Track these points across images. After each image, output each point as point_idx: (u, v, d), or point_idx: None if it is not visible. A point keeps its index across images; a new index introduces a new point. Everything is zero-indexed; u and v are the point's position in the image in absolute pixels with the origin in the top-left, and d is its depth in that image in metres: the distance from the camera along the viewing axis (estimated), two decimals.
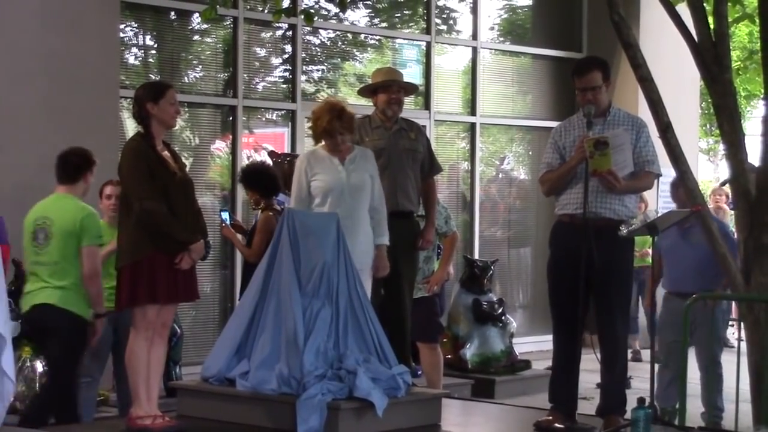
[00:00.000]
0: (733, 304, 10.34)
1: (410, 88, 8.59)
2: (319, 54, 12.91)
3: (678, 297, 8.69)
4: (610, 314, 7.14)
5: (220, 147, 11.86)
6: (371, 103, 8.43)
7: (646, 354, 11.41)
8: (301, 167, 7.54)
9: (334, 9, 12.68)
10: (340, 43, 13.09)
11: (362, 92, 8.58)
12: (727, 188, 12.65)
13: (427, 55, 13.33)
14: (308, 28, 12.08)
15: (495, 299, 11.31)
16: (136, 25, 11.34)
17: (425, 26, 13.43)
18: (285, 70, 12.30)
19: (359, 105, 9.64)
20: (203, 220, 7.02)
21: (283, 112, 12.31)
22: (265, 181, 9.01)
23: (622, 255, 7.18)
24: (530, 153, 14.76)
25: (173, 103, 6.89)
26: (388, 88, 8.28)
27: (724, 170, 19.96)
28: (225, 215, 9.16)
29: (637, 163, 7.16)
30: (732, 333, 13.88)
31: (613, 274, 7.07)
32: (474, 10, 13.84)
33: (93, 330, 7.48)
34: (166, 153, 6.88)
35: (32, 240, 7.44)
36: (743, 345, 8.18)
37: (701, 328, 8.57)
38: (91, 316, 7.43)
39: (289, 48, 12.22)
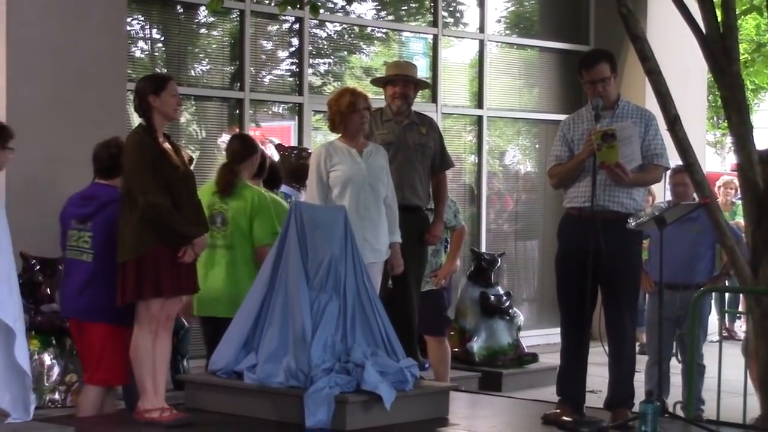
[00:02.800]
0: (741, 296, 10.34)
1: (420, 84, 8.61)
2: (325, 47, 12.89)
3: (668, 289, 8.68)
4: (618, 307, 7.14)
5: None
6: (382, 97, 8.46)
7: None
8: (320, 158, 7.55)
9: (340, 2, 12.67)
10: (346, 36, 13.08)
11: (375, 83, 8.65)
12: (735, 182, 12.63)
13: (434, 48, 13.31)
14: (315, 21, 12.06)
15: (502, 292, 11.30)
16: (142, 19, 11.33)
17: (432, 19, 13.41)
18: (292, 63, 12.29)
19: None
20: (204, 213, 7.01)
21: (289, 105, 12.30)
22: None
23: (630, 248, 7.18)
24: (537, 146, 14.74)
25: (174, 95, 6.89)
26: (393, 82, 8.31)
27: (732, 162, 19.93)
28: None
29: (646, 156, 7.15)
30: (740, 326, 13.90)
31: (621, 268, 7.06)
32: (481, 3, 13.80)
33: None
34: (167, 145, 6.88)
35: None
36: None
37: (689, 319, 8.53)
38: None
39: (295, 41, 12.21)
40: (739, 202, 11.67)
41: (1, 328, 6.27)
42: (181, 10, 11.52)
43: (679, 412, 7.59)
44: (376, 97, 8.62)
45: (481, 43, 13.80)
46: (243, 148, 8.02)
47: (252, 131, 11.79)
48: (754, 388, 8.11)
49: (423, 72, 12.91)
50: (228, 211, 7.66)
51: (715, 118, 24.53)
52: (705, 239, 8.84)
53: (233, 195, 7.70)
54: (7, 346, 6.41)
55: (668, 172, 8.96)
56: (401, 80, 8.33)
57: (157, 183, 6.66)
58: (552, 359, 9.86)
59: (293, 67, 12.25)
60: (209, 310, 7.69)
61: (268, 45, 12.22)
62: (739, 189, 8.77)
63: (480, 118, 13.79)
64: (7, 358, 6.42)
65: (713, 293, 9.83)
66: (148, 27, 11.48)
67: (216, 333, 7.44)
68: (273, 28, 12.21)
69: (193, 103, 11.43)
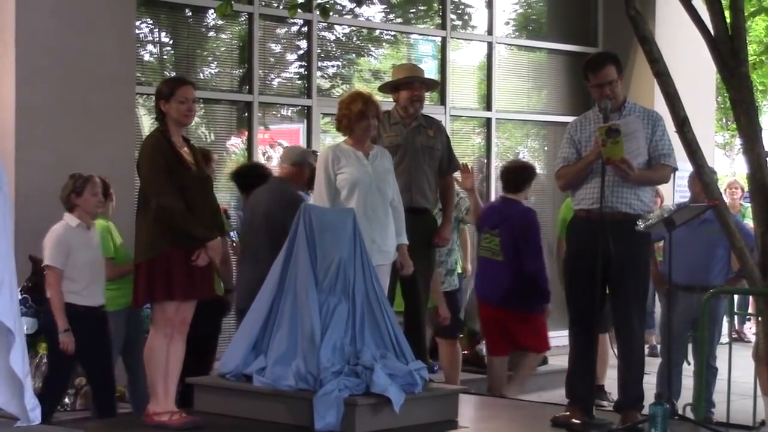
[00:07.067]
0: (750, 298, 10.29)
1: (432, 85, 8.62)
2: (334, 50, 12.90)
3: (685, 291, 8.65)
4: (628, 309, 7.13)
5: (236, 143, 11.86)
6: (390, 99, 8.44)
7: None
8: (327, 160, 7.52)
9: (349, 4, 12.67)
10: (355, 38, 13.09)
11: (383, 89, 8.61)
12: (743, 182, 12.62)
13: (443, 50, 13.31)
14: (323, 24, 12.07)
15: None
16: (151, 22, 11.34)
17: (440, 21, 13.42)
18: (300, 66, 12.30)
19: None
20: (221, 216, 7.01)
21: (298, 108, 12.31)
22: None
23: (639, 250, 7.16)
24: (546, 148, 14.73)
25: (183, 101, 6.83)
26: (410, 85, 8.29)
27: (741, 164, 19.91)
28: None
29: (653, 157, 7.14)
30: (749, 327, 13.87)
31: (631, 269, 7.05)
32: (489, 5, 13.80)
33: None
34: (185, 149, 6.88)
35: None
36: None
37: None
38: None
39: (304, 44, 12.22)
40: (747, 204, 11.65)
41: (3, 334, 6.26)
42: (190, 14, 11.54)
43: (689, 415, 7.56)
44: (384, 100, 8.60)
45: (490, 45, 13.79)
46: None
47: (261, 134, 11.82)
48: (763, 392, 8.10)
49: (431, 74, 12.91)
50: None
51: (724, 120, 24.49)
52: (722, 241, 8.79)
53: None
54: (9, 352, 6.40)
55: (688, 174, 8.95)
56: (419, 82, 8.33)
57: (171, 186, 6.65)
58: (561, 361, 9.84)
59: (302, 70, 12.26)
60: None
61: (276, 48, 12.23)
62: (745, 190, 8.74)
63: (489, 121, 13.78)
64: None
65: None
66: (156, 30, 11.49)
67: None
68: (282, 31, 12.22)
69: (201, 106, 11.44)
